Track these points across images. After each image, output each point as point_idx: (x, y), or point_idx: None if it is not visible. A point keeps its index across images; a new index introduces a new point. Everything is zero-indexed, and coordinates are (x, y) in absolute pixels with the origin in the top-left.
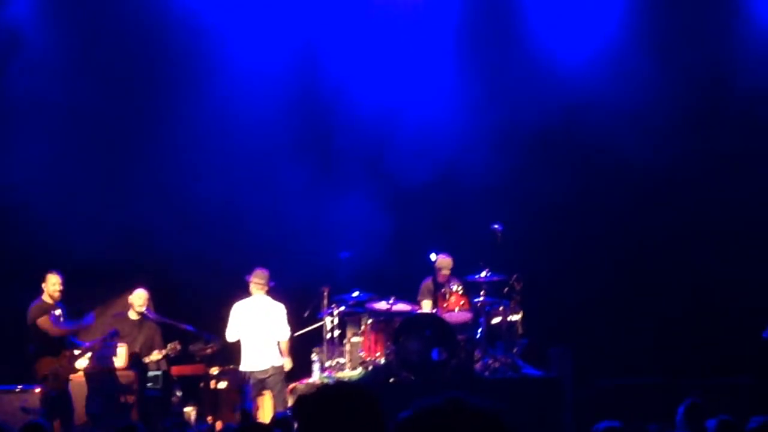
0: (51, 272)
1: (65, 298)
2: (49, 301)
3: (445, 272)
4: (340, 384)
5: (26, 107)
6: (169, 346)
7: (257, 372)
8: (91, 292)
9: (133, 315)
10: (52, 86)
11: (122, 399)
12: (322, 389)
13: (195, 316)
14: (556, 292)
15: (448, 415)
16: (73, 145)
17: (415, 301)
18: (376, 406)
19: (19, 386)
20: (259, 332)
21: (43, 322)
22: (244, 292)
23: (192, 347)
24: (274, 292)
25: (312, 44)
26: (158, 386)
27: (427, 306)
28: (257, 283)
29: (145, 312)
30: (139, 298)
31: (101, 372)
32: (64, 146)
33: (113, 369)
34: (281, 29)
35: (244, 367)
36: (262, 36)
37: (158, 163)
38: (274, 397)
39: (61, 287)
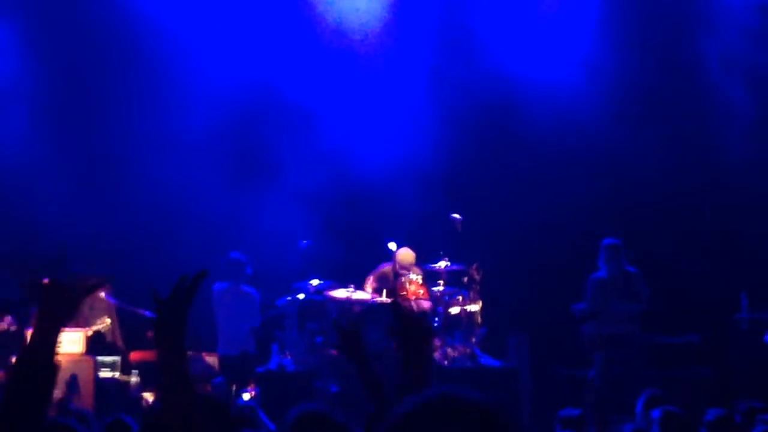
0: None
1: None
2: None
3: (402, 256)
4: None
5: None
6: (98, 321)
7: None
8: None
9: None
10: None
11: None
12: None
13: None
14: (515, 282)
15: (440, 409)
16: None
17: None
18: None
19: None
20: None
21: None
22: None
23: (150, 333)
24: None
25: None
26: (115, 371)
27: (370, 288)
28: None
29: (106, 297)
30: None
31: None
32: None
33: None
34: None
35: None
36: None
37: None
38: None
39: None
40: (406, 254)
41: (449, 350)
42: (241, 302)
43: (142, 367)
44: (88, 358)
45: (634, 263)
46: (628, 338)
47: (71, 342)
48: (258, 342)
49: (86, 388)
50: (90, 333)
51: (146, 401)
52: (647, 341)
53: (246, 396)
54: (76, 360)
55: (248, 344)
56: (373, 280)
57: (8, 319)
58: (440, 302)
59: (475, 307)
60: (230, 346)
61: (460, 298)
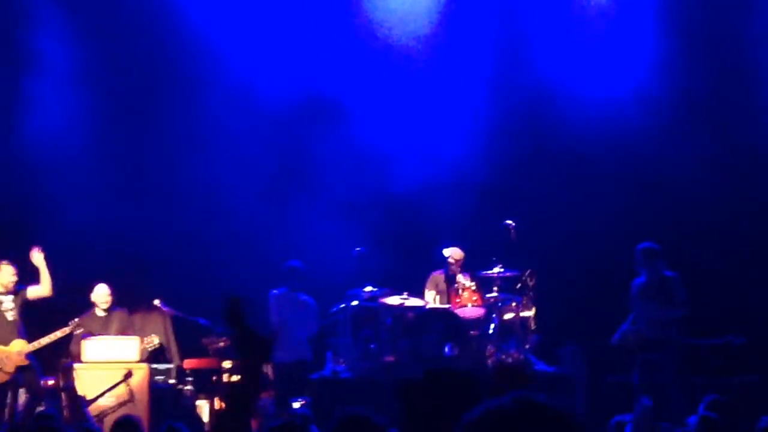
0: (3, 262)
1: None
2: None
3: (455, 264)
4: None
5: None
6: (145, 340)
7: None
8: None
9: (99, 312)
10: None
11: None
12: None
13: (207, 309)
14: (569, 289)
15: (517, 415)
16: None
17: None
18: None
19: None
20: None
21: None
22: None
23: (204, 340)
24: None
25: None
26: (170, 379)
27: (430, 296)
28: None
29: (160, 305)
30: (101, 296)
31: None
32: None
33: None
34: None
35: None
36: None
37: (159, 157)
38: None
39: (14, 278)
40: (453, 251)
41: (503, 357)
42: (297, 309)
43: (196, 375)
44: (143, 365)
45: (672, 267)
46: (666, 343)
47: (127, 350)
48: (313, 349)
49: (141, 395)
50: (142, 349)
51: (200, 408)
52: (687, 346)
53: (296, 404)
54: (131, 368)
55: (305, 352)
56: (429, 286)
57: (74, 321)
58: (494, 309)
59: (528, 314)
60: (286, 353)
61: (514, 304)
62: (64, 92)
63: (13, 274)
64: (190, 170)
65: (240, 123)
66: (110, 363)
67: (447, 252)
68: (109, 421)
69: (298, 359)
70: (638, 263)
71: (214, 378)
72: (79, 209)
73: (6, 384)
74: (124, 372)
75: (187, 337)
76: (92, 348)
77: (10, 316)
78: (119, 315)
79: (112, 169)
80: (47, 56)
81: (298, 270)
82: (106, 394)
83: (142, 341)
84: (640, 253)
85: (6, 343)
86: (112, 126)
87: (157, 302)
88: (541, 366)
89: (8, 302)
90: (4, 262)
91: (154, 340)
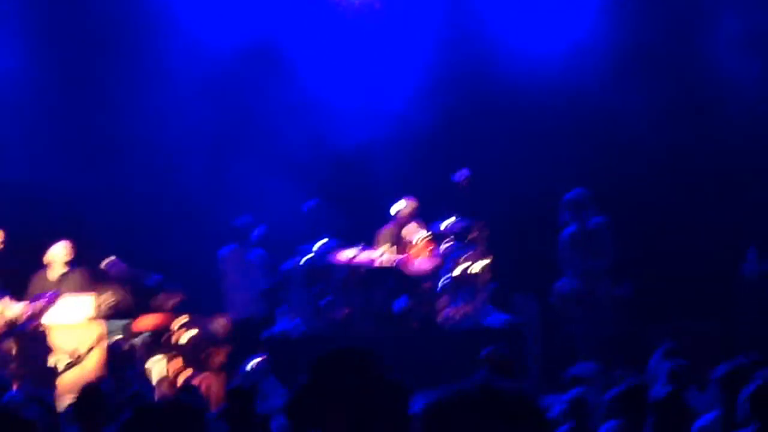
0: None
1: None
2: None
3: (408, 216)
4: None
5: None
6: (102, 297)
7: None
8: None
9: (56, 271)
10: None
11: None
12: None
13: (159, 267)
14: (523, 237)
15: (479, 401)
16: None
17: None
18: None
19: None
20: None
21: None
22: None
23: (157, 298)
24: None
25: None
26: (124, 335)
27: (381, 252)
28: None
29: (110, 264)
30: (60, 254)
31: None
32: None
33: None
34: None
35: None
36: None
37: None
38: None
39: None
40: (405, 202)
41: (456, 309)
42: (246, 266)
43: (149, 332)
44: (99, 322)
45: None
46: (597, 295)
47: (83, 307)
48: (265, 305)
49: (98, 352)
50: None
51: (152, 365)
52: (618, 297)
53: (253, 362)
54: (87, 324)
55: (256, 308)
56: (380, 241)
57: None
58: (448, 260)
59: (482, 265)
60: (237, 311)
61: (467, 255)
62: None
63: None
64: (134, 124)
65: (186, 77)
66: (67, 324)
67: (398, 205)
68: (63, 384)
69: (249, 316)
70: (567, 212)
71: (165, 337)
72: (20, 164)
73: None
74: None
75: (138, 295)
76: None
77: None
78: (77, 274)
79: (53, 124)
80: None
81: (243, 225)
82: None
83: (98, 298)
84: (569, 203)
85: None
86: (52, 78)
87: (108, 261)
88: (495, 316)
89: None
90: None
91: (111, 297)
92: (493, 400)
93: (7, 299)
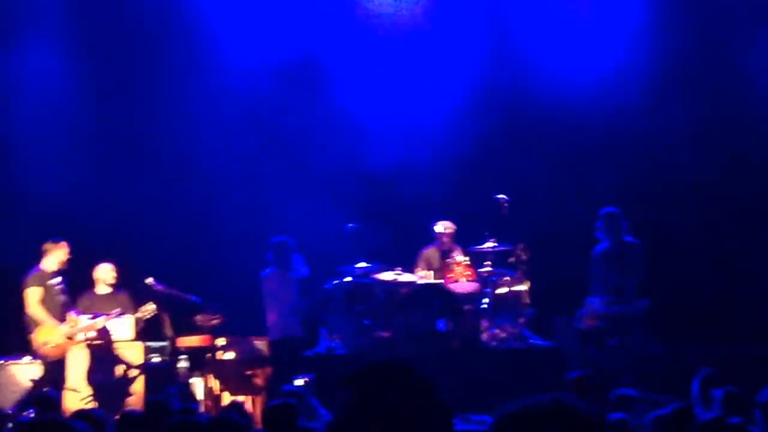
0: (57, 241)
1: (69, 270)
2: (48, 270)
3: (447, 238)
4: (393, 362)
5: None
6: (140, 309)
7: None
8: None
9: (102, 290)
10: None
11: (126, 370)
12: (376, 366)
13: (199, 288)
14: (563, 262)
15: (549, 415)
16: (75, 126)
17: None
18: (431, 386)
19: (28, 357)
20: None
21: (30, 293)
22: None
23: (198, 318)
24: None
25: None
26: (164, 357)
27: (422, 274)
28: None
29: (153, 284)
30: (107, 272)
31: (104, 343)
32: (67, 127)
33: (109, 340)
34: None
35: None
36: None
37: (159, 143)
38: None
39: (67, 257)
40: (444, 224)
41: (497, 331)
42: (286, 286)
43: (190, 353)
44: (137, 344)
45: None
46: (627, 313)
47: (121, 328)
48: (306, 326)
49: (136, 373)
50: (138, 317)
51: (194, 386)
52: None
53: (299, 381)
54: (126, 346)
55: (296, 328)
56: (420, 263)
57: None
58: (487, 283)
59: (522, 288)
60: (279, 331)
61: (508, 278)
62: (46, 61)
63: (65, 254)
64: (172, 144)
65: (224, 96)
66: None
67: (438, 227)
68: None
69: (290, 336)
70: (601, 229)
71: (208, 355)
72: (59, 181)
73: (55, 363)
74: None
75: (180, 315)
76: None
77: (62, 295)
78: (123, 297)
79: (92, 143)
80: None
81: (283, 245)
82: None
83: (140, 311)
84: (603, 219)
85: (60, 320)
86: (91, 94)
87: (149, 280)
88: (534, 340)
89: (59, 282)
90: (62, 243)
91: (149, 308)
92: (564, 415)
93: (73, 314)
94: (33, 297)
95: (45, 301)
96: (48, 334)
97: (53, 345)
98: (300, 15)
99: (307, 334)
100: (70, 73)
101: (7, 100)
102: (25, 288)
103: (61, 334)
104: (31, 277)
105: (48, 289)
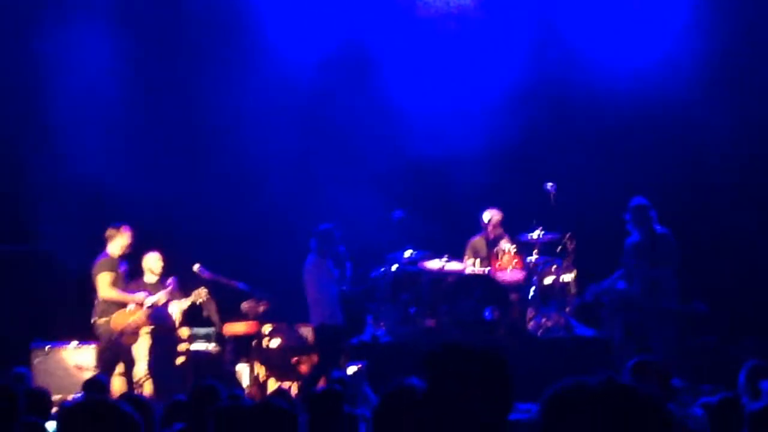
0: (118, 227)
1: (131, 255)
2: (115, 255)
3: (495, 226)
4: (472, 345)
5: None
6: (194, 293)
7: None
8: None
9: (150, 279)
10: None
11: (178, 356)
12: (454, 348)
13: (246, 275)
14: (609, 252)
15: (602, 394)
16: (123, 114)
17: None
18: (505, 369)
19: (74, 342)
20: None
21: (102, 278)
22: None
23: (245, 305)
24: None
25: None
26: (211, 343)
27: (469, 263)
28: None
29: (200, 271)
30: (155, 261)
31: (162, 330)
32: (116, 115)
33: (171, 327)
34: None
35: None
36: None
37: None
38: None
39: (130, 241)
40: (491, 213)
41: (543, 320)
42: (327, 274)
43: (236, 340)
44: (184, 329)
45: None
46: (651, 307)
47: (175, 314)
48: (351, 313)
49: (182, 359)
50: (187, 305)
51: (239, 373)
52: (675, 310)
53: (351, 369)
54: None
55: (337, 316)
56: (468, 251)
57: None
58: (534, 272)
59: (569, 277)
60: (319, 319)
61: (554, 267)
62: (98, 46)
63: (129, 239)
64: (220, 133)
65: (271, 86)
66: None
67: (485, 216)
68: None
69: (331, 324)
70: (631, 221)
71: (254, 342)
72: (111, 172)
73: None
74: None
75: (227, 302)
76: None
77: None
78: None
79: (140, 132)
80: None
81: (325, 233)
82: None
83: (190, 295)
84: (633, 211)
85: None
86: (139, 84)
87: (196, 267)
88: (581, 329)
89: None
90: (124, 228)
91: (202, 291)
92: (617, 393)
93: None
94: (105, 281)
95: (115, 285)
96: (126, 317)
97: (131, 328)
98: (347, 4)
99: (350, 322)
100: (121, 58)
101: (54, 83)
102: (96, 274)
103: (137, 317)
104: (101, 262)
105: (117, 274)
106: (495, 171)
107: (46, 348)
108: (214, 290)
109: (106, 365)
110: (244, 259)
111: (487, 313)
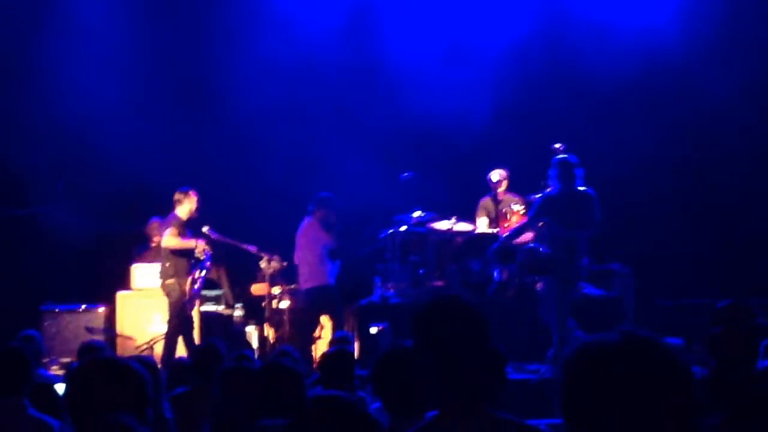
0: (186, 191)
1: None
2: (183, 218)
3: (501, 186)
4: (454, 298)
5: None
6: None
7: None
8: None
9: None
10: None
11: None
12: (438, 301)
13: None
14: (619, 211)
15: (625, 350)
16: (140, 80)
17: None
18: (485, 321)
19: (83, 305)
20: None
21: (170, 233)
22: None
23: (262, 263)
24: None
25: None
26: (220, 305)
27: (482, 223)
28: None
29: (209, 232)
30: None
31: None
32: (132, 81)
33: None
34: None
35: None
36: None
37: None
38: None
39: (197, 206)
40: (498, 172)
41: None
42: (324, 237)
43: (246, 301)
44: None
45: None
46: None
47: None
48: (359, 275)
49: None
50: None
51: (249, 335)
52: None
53: (373, 330)
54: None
55: (326, 277)
56: (479, 212)
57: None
58: (543, 232)
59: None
60: (309, 281)
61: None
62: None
63: (197, 203)
64: (228, 102)
65: (280, 56)
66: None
67: (493, 175)
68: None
69: (325, 284)
70: (552, 176)
71: (263, 304)
72: (121, 138)
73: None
74: None
75: (236, 265)
76: (141, 275)
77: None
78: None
79: (149, 102)
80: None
81: (324, 200)
82: (160, 321)
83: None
84: (556, 166)
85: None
86: (149, 54)
87: (205, 229)
88: (589, 289)
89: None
90: (191, 192)
91: (200, 247)
92: (638, 345)
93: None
94: (174, 234)
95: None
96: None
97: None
98: None
99: (358, 284)
100: (134, 20)
101: (66, 49)
102: (166, 227)
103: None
104: (169, 220)
105: (183, 236)
106: (504, 131)
107: (56, 310)
108: (224, 253)
109: (176, 330)
110: (252, 224)
111: (495, 274)
